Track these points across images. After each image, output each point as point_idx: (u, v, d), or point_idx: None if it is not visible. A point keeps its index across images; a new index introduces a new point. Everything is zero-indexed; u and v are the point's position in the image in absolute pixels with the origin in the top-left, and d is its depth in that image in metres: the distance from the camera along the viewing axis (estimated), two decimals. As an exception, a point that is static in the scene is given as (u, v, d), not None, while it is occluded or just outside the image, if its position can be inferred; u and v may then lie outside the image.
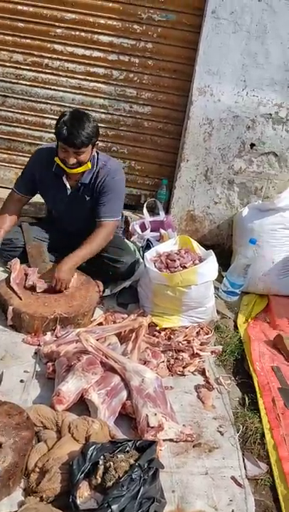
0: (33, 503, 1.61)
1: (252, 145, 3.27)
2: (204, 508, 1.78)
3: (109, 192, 2.73)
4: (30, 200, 2.99)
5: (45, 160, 2.76)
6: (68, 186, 2.77)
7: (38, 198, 3.20)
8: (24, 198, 2.92)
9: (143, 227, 3.39)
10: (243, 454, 2.02)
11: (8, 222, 2.84)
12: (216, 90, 3.13)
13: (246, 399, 2.30)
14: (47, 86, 3.40)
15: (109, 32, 3.21)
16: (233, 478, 1.92)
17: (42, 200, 3.22)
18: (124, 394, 2.09)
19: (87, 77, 3.35)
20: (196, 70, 3.10)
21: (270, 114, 3.18)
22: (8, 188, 3.58)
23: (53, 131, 3.44)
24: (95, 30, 3.21)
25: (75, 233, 2.93)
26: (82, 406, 2.07)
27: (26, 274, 2.72)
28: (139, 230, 3.35)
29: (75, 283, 2.73)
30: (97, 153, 2.75)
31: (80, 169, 2.64)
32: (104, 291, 2.85)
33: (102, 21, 3.19)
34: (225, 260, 3.28)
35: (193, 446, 2.02)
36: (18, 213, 2.92)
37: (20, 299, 2.56)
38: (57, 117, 3.44)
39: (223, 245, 3.57)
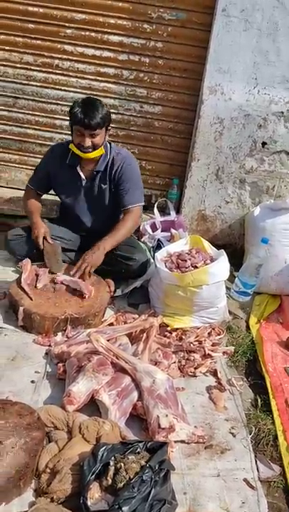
0: (43, 503, 1.61)
1: (263, 144, 3.24)
2: (216, 510, 1.76)
3: (129, 179, 2.81)
4: (42, 201, 3.03)
5: (59, 154, 2.85)
6: (83, 177, 2.83)
7: (50, 198, 3.23)
8: (39, 195, 3.02)
9: (154, 227, 3.37)
10: (255, 456, 2.00)
11: (38, 206, 2.95)
12: (226, 89, 3.10)
13: (259, 400, 2.28)
14: (57, 87, 3.41)
15: (119, 32, 3.21)
16: (245, 480, 1.89)
17: (53, 201, 3.24)
18: (135, 395, 2.08)
19: (98, 78, 3.35)
20: (206, 68, 3.08)
21: (282, 112, 3.15)
22: (20, 189, 3.62)
23: (64, 131, 3.50)
24: (105, 30, 3.21)
25: (89, 232, 2.95)
26: (93, 407, 2.06)
27: (37, 275, 2.73)
28: (149, 230, 3.34)
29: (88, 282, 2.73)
30: (110, 144, 2.84)
31: (95, 153, 2.70)
32: (115, 291, 2.85)
33: (112, 21, 3.18)
34: (237, 260, 3.25)
35: (205, 448, 2.00)
36: (40, 202, 3.02)
37: (31, 299, 2.56)
38: (67, 118, 3.46)
39: (234, 245, 3.55)
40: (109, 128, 2.76)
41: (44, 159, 2.97)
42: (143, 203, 2.93)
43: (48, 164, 2.91)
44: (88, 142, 2.64)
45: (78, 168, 2.82)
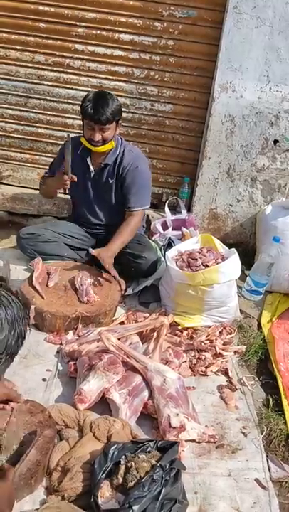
0: (55, 501, 1.62)
1: (275, 141, 3.22)
2: (227, 510, 1.76)
3: (135, 181, 2.82)
4: (53, 200, 3.04)
5: (73, 145, 2.82)
6: (92, 168, 2.86)
7: (60, 197, 3.24)
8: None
9: (165, 226, 3.37)
10: (267, 456, 1.99)
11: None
12: (238, 86, 3.08)
13: (270, 400, 2.26)
14: (68, 86, 3.41)
15: (130, 30, 3.20)
16: (256, 480, 1.88)
17: (64, 199, 3.25)
18: (146, 394, 2.08)
19: (109, 76, 3.34)
20: (217, 66, 3.06)
21: (294, 110, 3.12)
22: (32, 188, 3.65)
23: (75, 130, 3.51)
24: (116, 28, 3.20)
25: (98, 226, 2.96)
26: (104, 405, 2.06)
27: (49, 273, 2.74)
28: (160, 229, 3.33)
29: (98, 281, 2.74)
30: (121, 138, 2.86)
31: (105, 147, 2.73)
32: (126, 290, 2.85)
33: (123, 19, 3.18)
34: (248, 259, 3.24)
35: (216, 448, 2.00)
36: None
37: (43, 298, 2.57)
38: (79, 117, 3.47)
39: (246, 244, 3.52)
40: (121, 122, 2.78)
41: (60, 150, 3.01)
42: (148, 206, 2.94)
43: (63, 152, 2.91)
44: (98, 136, 2.66)
45: (88, 160, 2.85)
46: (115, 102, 2.65)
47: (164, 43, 3.21)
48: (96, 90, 2.75)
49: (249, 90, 3.09)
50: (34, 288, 2.62)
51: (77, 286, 2.66)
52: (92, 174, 2.88)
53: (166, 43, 3.21)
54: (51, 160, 3.61)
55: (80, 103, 3.40)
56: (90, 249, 2.78)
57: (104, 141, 2.70)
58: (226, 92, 3.11)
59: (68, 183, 2.71)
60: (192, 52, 3.21)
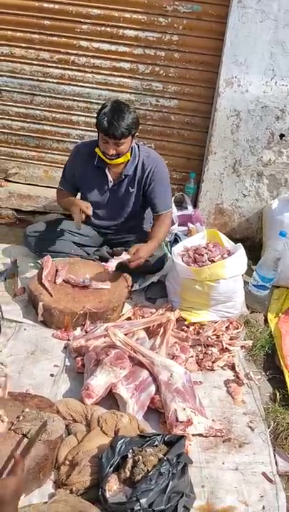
0: (63, 495, 1.63)
1: (281, 136, 3.21)
2: (234, 503, 1.77)
3: (160, 184, 2.81)
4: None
5: (86, 154, 2.82)
6: (110, 178, 2.82)
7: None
8: (73, 194, 3.00)
9: (171, 222, 3.36)
10: (274, 450, 2.00)
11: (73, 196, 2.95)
12: (243, 81, 3.07)
13: (277, 394, 2.27)
14: (74, 83, 3.42)
15: (135, 26, 3.20)
16: (263, 474, 1.89)
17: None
18: (153, 388, 2.09)
19: (113, 73, 3.35)
20: (222, 61, 3.05)
21: (300, 103, 3.11)
22: (38, 186, 3.66)
23: (81, 127, 3.52)
24: (121, 24, 3.20)
25: (109, 230, 2.97)
26: (111, 400, 2.08)
27: (57, 270, 2.76)
28: (167, 225, 3.33)
29: (105, 278, 2.75)
30: (138, 146, 2.81)
31: (120, 160, 2.69)
32: (132, 285, 2.86)
33: (128, 15, 3.17)
34: (255, 254, 3.23)
35: (223, 442, 2.01)
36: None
37: (51, 295, 2.59)
38: (84, 114, 3.48)
39: (252, 239, 3.52)
40: (137, 134, 2.73)
41: (69, 160, 2.94)
42: (172, 208, 2.95)
43: (74, 165, 2.89)
44: (112, 151, 2.61)
45: (106, 171, 2.80)
46: (131, 115, 2.57)
47: (168, 39, 3.21)
48: (113, 101, 2.64)
49: (254, 84, 3.08)
50: (43, 285, 2.63)
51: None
52: (110, 185, 2.84)
53: (171, 38, 3.20)
54: (57, 157, 3.64)
55: (85, 99, 3.45)
56: (124, 254, 2.67)
57: (118, 155, 2.65)
58: (232, 87, 3.10)
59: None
60: (197, 47, 3.20)
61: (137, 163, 2.78)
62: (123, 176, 2.80)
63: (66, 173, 2.96)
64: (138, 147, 2.80)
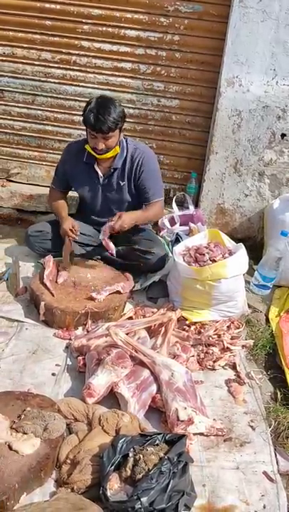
0: (64, 493, 1.64)
1: (283, 135, 3.21)
2: (235, 502, 1.77)
3: (150, 175, 2.83)
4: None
5: (75, 152, 2.87)
6: (100, 174, 2.85)
7: (68, 196, 3.25)
8: (63, 193, 3.06)
9: (172, 222, 3.37)
10: (275, 449, 2.00)
11: (63, 203, 2.98)
12: (244, 81, 3.07)
13: (278, 394, 2.27)
14: (75, 83, 3.43)
15: (136, 26, 3.20)
16: (264, 473, 1.89)
17: (72, 197, 3.26)
18: (154, 388, 2.10)
19: (115, 73, 3.35)
20: (224, 60, 3.05)
21: (302, 103, 3.11)
22: (40, 185, 3.67)
23: (82, 127, 3.49)
24: (122, 24, 3.21)
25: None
26: (113, 399, 2.09)
27: (58, 270, 2.76)
28: (168, 225, 3.34)
29: (106, 277, 2.75)
30: (126, 139, 2.84)
31: (109, 154, 2.72)
32: (134, 285, 2.87)
33: (129, 15, 3.18)
34: (256, 253, 3.23)
35: (224, 441, 2.01)
36: (66, 200, 3.04)
37: (53, 295, 2.59)
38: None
39: (254, 238, 3.52)
40: (124, 127, 2.76)
41: (61, 159, 3.00)
42: (163, 198, 2.95)
43: (65, 163, 2.94)
44: (101, 145, 2.65)
45: (95, 166, 2.84)
46: (117, 109, 2.60)
47: (169, 39, 3.21)
48: (97, 97, 2.68)
49: (256, 84, 3.08)
50: (44, 285, 2.64)
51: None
52: (101, 179, 2.87)
53: (172, 38, 3.21)
54: (59, 157, 3.63)
55: (86, 100, 3.43)
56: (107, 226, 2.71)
57: (108, 149, 2.69)
58: (233, 87, 3.10)
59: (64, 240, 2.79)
60: (198, 47, 3.21)
61: (126, 156, 2.81)
62: (112, 170, 2.83)
63: (58, 171, 3.02)
64: (126, 140, 2.84)
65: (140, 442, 1.73)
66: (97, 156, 2.73)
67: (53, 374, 2.25)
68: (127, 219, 2.69)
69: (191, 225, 3.31)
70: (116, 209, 2.94)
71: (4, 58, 3.42)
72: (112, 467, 1.65)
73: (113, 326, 2.33)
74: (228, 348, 2.47)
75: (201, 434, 2.00)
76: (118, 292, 2.68)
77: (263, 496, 1.80)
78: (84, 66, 3.37)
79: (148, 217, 2.88)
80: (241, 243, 2.76)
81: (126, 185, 2.87)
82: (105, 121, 2.55)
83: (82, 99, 3.45)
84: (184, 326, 2.58)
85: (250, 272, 2.91)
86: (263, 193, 3.40)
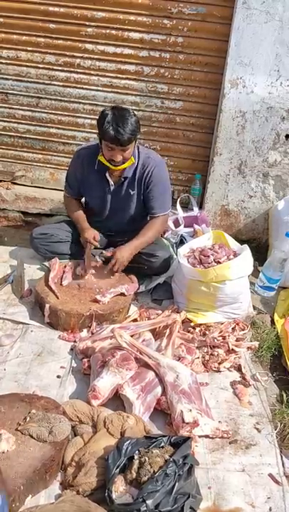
0: (69, 496, 1.63)
1: (287, 136, 3.20)
2: (241, 505, 1.76)
3: (158, 186, 2.80)
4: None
5: (86, 159, 2.83)
6: (112, 182, 2.82)
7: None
8: (79, 200, 3.04)
9: (177, 223, 3.37)
10: (280, 452, 1.99)
11: (81, 213, 2.96)
12: (248, 82, 3.07)
13: (284, 396, 2.26)
14: (79, 86, 3.43)
15: (140, 28, 3.20)
16: (270, 475, 1.88)
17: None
18: (159, 390, 2.09)
19: (119, 75, 3.36)
20: (227, 62, 3.05)
21: (306, 104, 3.10)
22: (44, 188, 3.69)
23: (86, 130, 3.53)
24: (125, 27, 3.21)
25: (112, 232, 2.98)
26: (118, 401, 2.09)
27: (63, 272, 2.77)
28: (172, 226, 3.34)
29: (111, 279, 2.76)
30: (138, 147, 2.80)
31: (126, 165, 2.70)
32: (138, 287, 2.87)
33: (132, 18, 3.18)
34: (261, 255, 3.23)
35: (230, 443, 2.00)
36: (83, 209, 3.01)
37: (58, 298, 2.60)
38: (89, 116, 3.49)
39: (259, 240, 3.51)
40: (139, 136, 2.73)
41: (71, 166, 2.96)
42: (169, 211, 2.95)
43: (76, 170, 2.90)
44: (119, 157, 2.60)
45: (107, 175, 2.80)
46: (133, 118, 2.55)
47: (173, 40, 3.21)
48: (112, 108, 2.59)
49: (259, 85, 3.07)
50: (49, 287, 2.65)
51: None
52: (111, 188, 2.84)
53: (176, 40, 3.21)
54: (63, 159, 3.65)
55: (91, 102, 3.46)
56: (105, 251, 2.80)
57: (124, 160, 2.65)
58: (237, 88, 3.10)
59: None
60: (202, 49, 3.21)
61: (137, 165, 2.78)
62: (123, 179, 2.80)
63: (69, 179, 2.98)
64: (138, 148, 2.79)
65: (145, 444, 1.73)
66: (114, 168, 2.69)
67: (58, 376, 2.25)
68: (125, 255, 2.72)
69: (196, 226, 3.30)
70: (122, 217, 2.93)
71: (8, 61, 3.44)
72: (118, 469, 1.65)
73: (118, 328, 2.33)
74: (233, 349, 2.46)
75: (207, 436, 1.99)
76: (123, 294, 2.68)
77: (268, 498, 1.80)
78: (88, 68, 3.38)
79: (147, 241, 2.81)
80: (246, 244, 2.76)
81: (135, 194, 2.85)
82: (125, 133, 2.50)
83: (86, 101, 3.46)
84: (189, 328, 2.58)
85: (255, 273, 2.91)
86: (267, 194, 3.39)
